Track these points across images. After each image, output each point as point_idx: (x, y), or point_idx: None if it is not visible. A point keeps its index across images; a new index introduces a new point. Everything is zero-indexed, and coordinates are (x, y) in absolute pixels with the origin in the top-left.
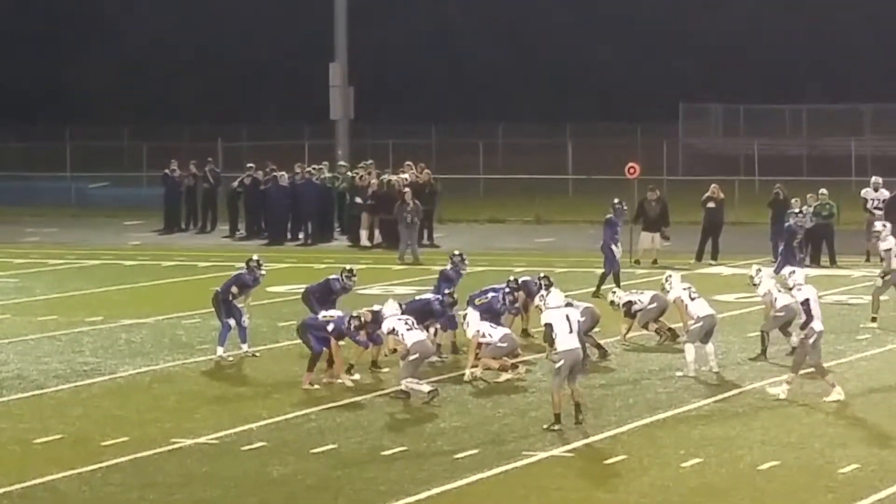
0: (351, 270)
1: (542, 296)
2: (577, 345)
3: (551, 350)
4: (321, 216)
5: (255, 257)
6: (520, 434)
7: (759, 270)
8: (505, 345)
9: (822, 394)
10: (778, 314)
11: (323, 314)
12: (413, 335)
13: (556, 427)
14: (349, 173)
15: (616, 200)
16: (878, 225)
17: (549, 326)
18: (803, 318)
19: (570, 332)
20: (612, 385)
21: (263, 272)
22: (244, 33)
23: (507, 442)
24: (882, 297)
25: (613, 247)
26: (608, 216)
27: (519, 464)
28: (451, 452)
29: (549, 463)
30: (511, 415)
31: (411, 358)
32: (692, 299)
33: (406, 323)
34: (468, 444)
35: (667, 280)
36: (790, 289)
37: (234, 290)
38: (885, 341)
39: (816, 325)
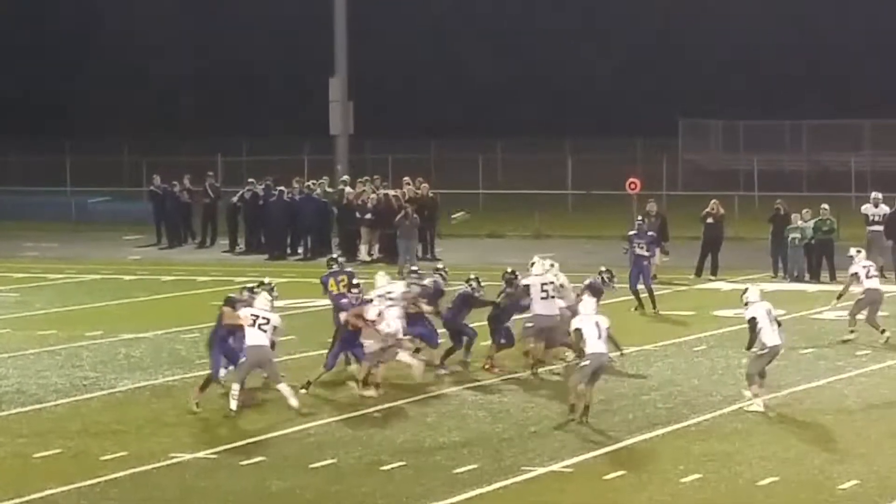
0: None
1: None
2: (605, 350)
3: (582, 353)
4: (320, 231)
5: (266, 280)
6: (519, 449)
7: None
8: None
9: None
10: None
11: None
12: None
13: (571, 417)
14: (340, 187)
15: (603, 269)
16: (852, 250)
17: (578, 332)
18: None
19: (599, 337)
20: (611, 400)
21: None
22: (244, 48)
23: (507, 457)
24: (861, 316)
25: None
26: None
27: (518, 479)
28: (449, 467)
29: (548, 478)
30: (510, 430)
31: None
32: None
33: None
34: (467, 459)
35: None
36: (745, 305)
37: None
38: (885, 357)
39: (767, 340)
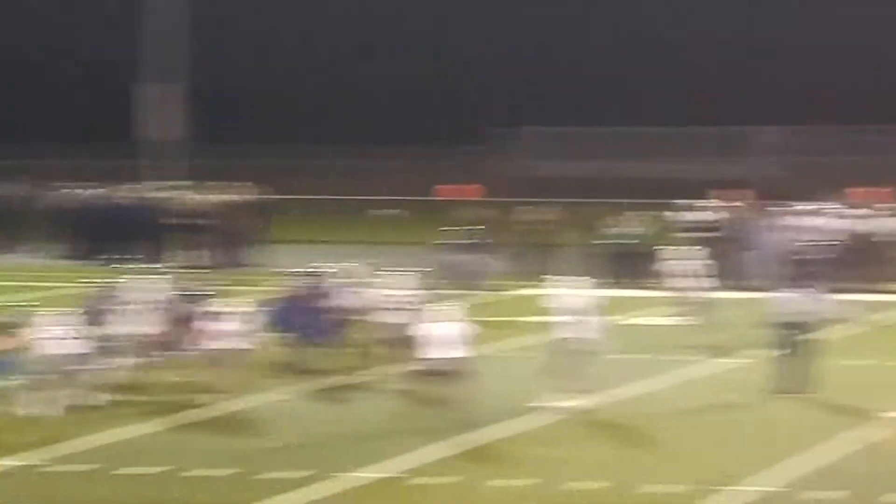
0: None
1: None
2: (452, 354)
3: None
4: (149, 236)
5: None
6: (334, 455)
7: None
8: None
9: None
10: None
11: None
12: None
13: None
14: (171, 192)
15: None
16: (670, 253)
17: (423, 335)
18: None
19: (445, 340)
20: (439, 404)
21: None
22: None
23: (322, 462)
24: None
25: None
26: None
27: (348, 484)
28: (260, 473)
29: (378, 483)
30: (327, 435)
31: None
32: None
33: None
34: (281, 465)
35: None
36: (552, 305)
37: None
38: (704, 362)
39: (569, 338)
